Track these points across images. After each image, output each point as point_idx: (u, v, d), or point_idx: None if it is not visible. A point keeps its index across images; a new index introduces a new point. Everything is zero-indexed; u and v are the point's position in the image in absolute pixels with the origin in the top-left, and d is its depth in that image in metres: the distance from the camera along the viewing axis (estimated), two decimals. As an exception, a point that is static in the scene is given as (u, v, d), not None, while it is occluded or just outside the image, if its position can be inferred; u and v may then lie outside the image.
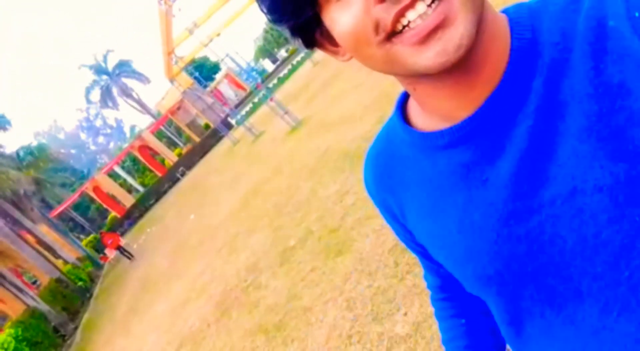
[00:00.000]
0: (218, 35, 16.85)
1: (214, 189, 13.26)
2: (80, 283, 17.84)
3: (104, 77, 43.09)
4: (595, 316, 0.44)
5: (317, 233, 4.52)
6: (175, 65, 17.66)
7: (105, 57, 42.59)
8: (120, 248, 16.97)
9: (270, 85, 23.69)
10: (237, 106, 26.04)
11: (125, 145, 41.03)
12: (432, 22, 0.39)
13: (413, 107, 0.55)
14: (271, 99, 12.83)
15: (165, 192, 28.17)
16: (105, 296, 13.91)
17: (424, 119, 0.53)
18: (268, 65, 44.51)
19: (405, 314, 2.55)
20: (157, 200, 28.00)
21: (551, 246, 0.44)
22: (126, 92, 43.59)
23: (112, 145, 67.69)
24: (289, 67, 27.27)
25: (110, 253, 17.98)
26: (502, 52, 0.46)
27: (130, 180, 34.54)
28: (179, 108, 33.79)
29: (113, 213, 30.60)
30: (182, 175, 28.41)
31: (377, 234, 3.49)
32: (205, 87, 26.40)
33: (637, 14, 0.40)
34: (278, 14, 0.45)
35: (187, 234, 10.78)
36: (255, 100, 21.73)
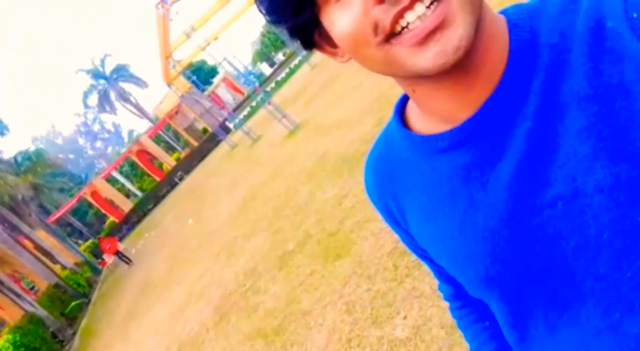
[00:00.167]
0: (216, 38, 16.87)
1: (213, 193, 13.24)
2: (78, 289, 17.78)
3: (102, 81, 43.10)
4: (598, 317, 0.44)
5: (316, 236, 4.51)
6: (173, 69, 17.67)
7: (102, 61, 42.63)
8: (118, 253, 16.92)
9: (268, 88, 23.71)
10: (235, 110, 26.06)
11: (123, 150, 40.97)
12: (431, 23, 0.39)
13: (412, 111, 0.55)
14: (269, 103, 12.84)
15: (163, 197, 28.11)
16: (104, 302, 13.86)
17: (423, 122, 0.53)
18: (266, 68, 44.57)
19: (405, 317, 2.54)
20: (155, 205, 27.94)
21: (553, 247, 0.44)
22: (124, 97, 43.59)
23: (110, 149, 67.62)
24: (287, 70, 27.29)
25: (109, 259, 17.90)
26: (501, 53, 0.46)
27: (128, 184, 34.48)
28: (177, 112, 33.78)
29: (111, 218, 30.52)
30: (181, 179, 28.37)
31: (376, 237, 3.49)
32: (203, 91, 26.41)
33: (635, 15, 0.40)
34: (277, 15, 0.45)
35: (186, 238, 10.76)
36: (253, 103, 21.73)
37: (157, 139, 36.03)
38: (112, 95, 43.56)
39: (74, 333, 13.77)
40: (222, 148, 23.33)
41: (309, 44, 0.50)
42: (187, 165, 29.22)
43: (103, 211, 31.79)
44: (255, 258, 5.48)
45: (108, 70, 42.81)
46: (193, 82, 20.54)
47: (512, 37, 0.46)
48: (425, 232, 0.56)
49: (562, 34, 0.44)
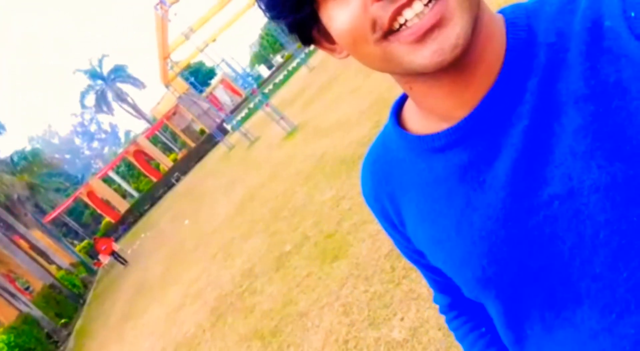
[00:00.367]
0: (214, 40, 16.89)
1: (210, 194, 13.21)
2: (73, 289, 17.68)
3: (99, 81, 43.02)
4: (594, 318, 0.44)
5: (313, 238, 4.51)
6: (171, 70, 17.67)
7: (100, 61, 42.57)
8: (114, 254, 16.86)
9: (266, 90, 23.71)
10: (232, 111, 26.05)
11: (120, 150, 40.87)
12: (429, 21, 0.39)
13: (409, 112, 0.55)
14: (267, 104, 12.84)
15: (160, 197, 28.03)
16: (99, 302, 13.78)
17: (420, 122, 0.53)
18: (264, 71, 44.58)
19: (402, 319, 2.54)
20: (152, 206, 27.85)
21: (549, 247, 0.44)
22: (121, 97, 43.52)
23: (106, 150, 67.45)
24: (285, 72, 27.29)
25: (104, 259, 17.84)
26: (498, 52, 0.46)
27: (125, 185, 34.35)
28: (174, 113, 33.72)
29: (107, 219, 30.40)
30: (177, 180, 28.30)
31: (374, 239, 3.49)
32: (200, 92, 26.43)
33: (633, 14, 0.40)
34: (276, 10, 0.45)
35: (182, 239, 10.72)
36: (251, 105, 21.73)
37: (154, 140, 35.96)
38: (110, 95, 43.49)
39: (69, 334, 13.69)
40: (219, 150, 23.29)
41: (308, 40, 0.50)
42: (184, 166, 29.16)
43: (99, 211, 31.64)
44: (252, 259, 5.47)
45: (106, 70, 42.76)
46: (191, 83, 20.54)
47: (510, 36, 0.46)
48: (422, 233, 0.56)
49: (559, 33, 0.44)
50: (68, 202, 30.32)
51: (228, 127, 23.02)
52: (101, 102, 44.00)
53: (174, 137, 37.56)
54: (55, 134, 71.63)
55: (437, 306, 0.76)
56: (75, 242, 31.27)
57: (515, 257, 0.46)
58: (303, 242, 4.63)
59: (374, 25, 0.41)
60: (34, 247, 19.68)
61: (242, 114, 23.29)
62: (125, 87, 43.90)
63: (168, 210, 19.81)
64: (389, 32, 0.41)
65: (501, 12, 0.49)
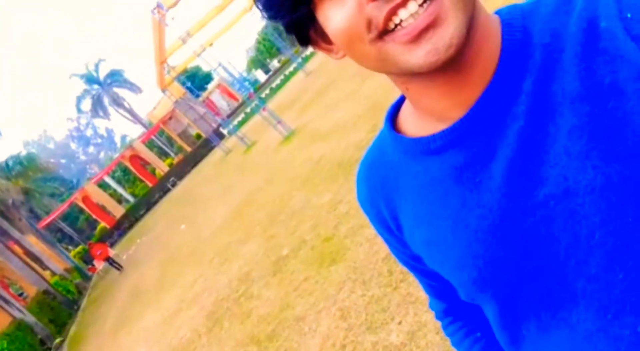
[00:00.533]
0: (211, 45, 16.93)
1: (206, 199, 13.18)
2: (68, 295, 17.54)
3: (95, 86, 42.90)
4: (590, 318, 0.43)
5: (311, 242, 4.50)
6: (168, 75, 17.67)
7: (96, 66, 42.46)
8: (109, 259, 16.74)
9: (263, 95, 23.74)
10: (229, 116, 26.04)
11: (116, 155, 40.69)
12: (423, 21, 0.40)
13: (405, 115, 0.56)
14: (264, 109, 12.85)
15: (155, 202, 27.91)
16: (94, 308, 13.67)
17: (415, 125, 0.53)
18: (260, 75, 44.67)
19: (400, 323, 2.54)
20: (147, 211, 27.72)
21: (545, 247, 0.44)
22: (117, 102, 43.42)
23: (102, 155, 67.18)
24: (282, 77, 27.34)
25: (99, 265, 17.71)
26: (493, 52, 0.46)
27: (120, 190, 34.19)
28: (170, 118, 33.67)
29: (102, 224, 30.20)
30: (173, 185, 28.21)
31: (371, 243, 3.49)
32: (197, 96, 26.39)
33: (629, 15, 0.41)
34: (274, 10, 0.45)
35: (178, 244, 10.67)
36: (248, 110, 21.73)
37: (150, 145, 35.85)
38: (106, 100, 43.36)
39: (63, 340, 13.56)
40: (215, 154, 23.27)
41: (305, 41, 0.50)
42: (180, 171, 29.08)
43: (94, 216, 31.45)
44: (249, 263, 5.45)
45: (102, 75, 42.65)
46: (187, 87, 20.52)
47: (505, 37, 0.46)
48: (418, 236, 0.56)
49: (555, 34, 0.44)
50: (63, 207, 30.12)
51: (225, 131, 23.02)
52: (97, 107, 43.85)
53: (170, 141, 37.47)
54: (51, 139, 71.30)
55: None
56: (70, 247, 31.03)
57: (511, 258, 0.46)
58: (300, 246, 4.62)
59: (369, 25, 0.41)
60: (28, 253, 19.52)
61: (239, 119, 23.27)
62: (122, 92, 43.82)
63: (164, 215, 19.72)
64: (384, 32, 0.41)
65: (497, 13, 0.49)
